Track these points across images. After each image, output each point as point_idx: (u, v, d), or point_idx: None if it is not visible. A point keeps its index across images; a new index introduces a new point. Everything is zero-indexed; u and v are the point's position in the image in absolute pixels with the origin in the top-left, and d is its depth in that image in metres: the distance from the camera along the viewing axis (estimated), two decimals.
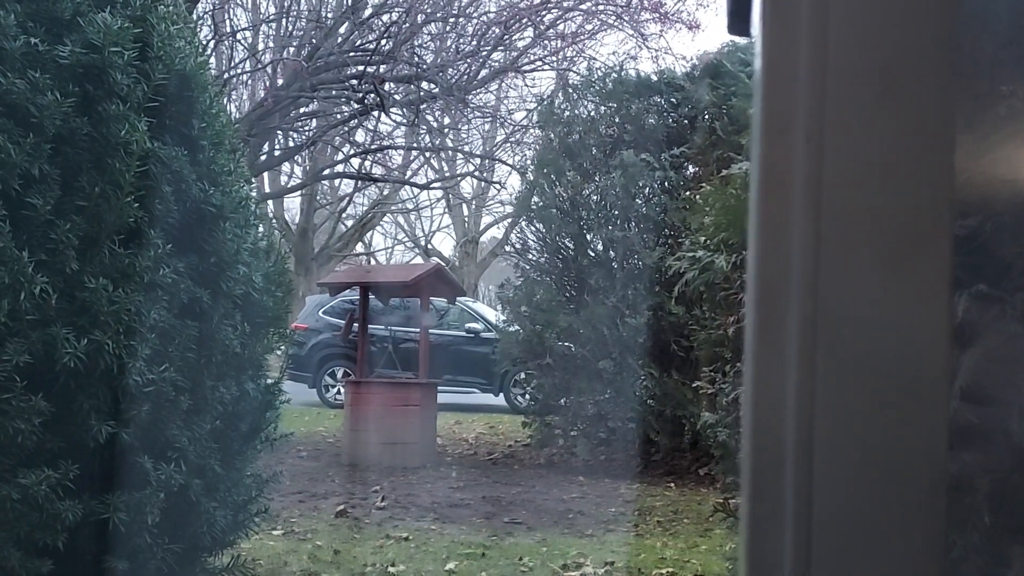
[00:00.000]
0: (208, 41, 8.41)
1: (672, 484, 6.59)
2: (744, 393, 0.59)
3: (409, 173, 16.16)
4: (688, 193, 6.80)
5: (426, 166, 17.49)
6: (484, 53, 9.62)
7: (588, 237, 7.79)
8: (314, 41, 8.84)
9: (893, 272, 0.56)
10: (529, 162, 9.02)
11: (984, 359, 1.09)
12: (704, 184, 6.09)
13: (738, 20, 0.59)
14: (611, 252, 7.64)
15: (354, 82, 8.73)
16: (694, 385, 5.73)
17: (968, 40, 0.99)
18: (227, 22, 9.58)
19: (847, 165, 0.57)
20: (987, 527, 1.19)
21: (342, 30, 9.09)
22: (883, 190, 0.56)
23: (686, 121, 7.66)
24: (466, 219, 20.96)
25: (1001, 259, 1.14)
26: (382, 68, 8.79)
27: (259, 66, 9.67)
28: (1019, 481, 1.28)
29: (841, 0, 0.56)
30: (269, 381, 3.13)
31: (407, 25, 8.79)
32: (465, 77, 9.54)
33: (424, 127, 11.29)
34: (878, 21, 0.57)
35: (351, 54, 8.78)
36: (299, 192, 15.94)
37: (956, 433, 1.05)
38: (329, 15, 9.30)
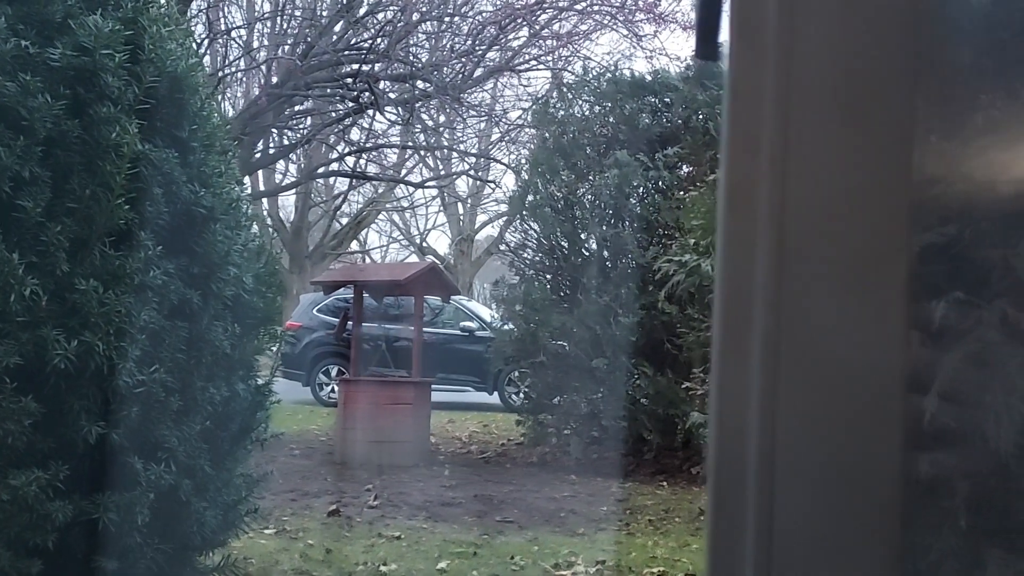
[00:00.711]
0: (202, 39, 8.40)
1: (664, 483, 6.62)
2: (710, 401, 0.60)
3: (404, 172, 16.16)
4: (682, 193, 6.83)
5: (421, 165, 17.51)
6: (479, 52, 9.62)
7: (582, 236, 7.81)
8: (309, 39, 8.83)
9: (853, 286, 0.57)
10: (524, 161, 9.04)
11: (962, 365, 1.11)
12: (698, 183, 6.11)
13: (706, 45, 0.60)
14: (605, 251, 7.66)
15: (349, 80, 8.72)
16: (684, 385, 5.76)
17: (948, 49, 1.01)
18: (221, 20, 9.57)
19: (809, 184, 0.58)
20: (964, 530, 1.21)
21: (337, 28, 9.09)
22: (844, 208, 0.58)
23: (680, 121, 7.68)
24: (461, 218, 20.97)
25: (980, 267, 1.15)
26: (377, 66, 8.79)
27: (254, 64, 9.66)
28: (996, 485, 1.30)
29: (806, 26, 0.58)
30: (260, 382, 3.13)
31: (402, 24, 8.79)
32: (460, 76, 9.55)
33: (419, 126, 11.29)
34: (842, 47, 0.58)
35: (346, 52, 8.77)
36: (293, 190, 15.94)
37: (934, 437, 1.07)
38: (324, 13, 9.29)
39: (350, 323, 8.13)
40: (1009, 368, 1.13)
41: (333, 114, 9.76)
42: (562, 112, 8.20)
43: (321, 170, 13.06)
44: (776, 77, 0.59)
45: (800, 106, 0.58)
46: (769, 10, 0.58)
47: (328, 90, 9.01)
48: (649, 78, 8.07)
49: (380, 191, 18.08)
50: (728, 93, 0.59)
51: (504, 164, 12.84)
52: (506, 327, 8.19)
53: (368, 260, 20.79)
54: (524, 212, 8.10)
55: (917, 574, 1.18)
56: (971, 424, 1.10)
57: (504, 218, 14.19)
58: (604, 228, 7.56)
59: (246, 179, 9.22)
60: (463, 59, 9.41)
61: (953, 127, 1.01)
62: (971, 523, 1.18)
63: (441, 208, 21.06)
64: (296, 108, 9.63)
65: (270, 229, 16.04)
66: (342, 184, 17.02)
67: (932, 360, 1.05)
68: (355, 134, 11.67)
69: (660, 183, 7.50)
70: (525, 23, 9.54)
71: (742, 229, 0.58)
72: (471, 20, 9.65)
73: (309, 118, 10.22)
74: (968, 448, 1.11)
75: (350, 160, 12.65)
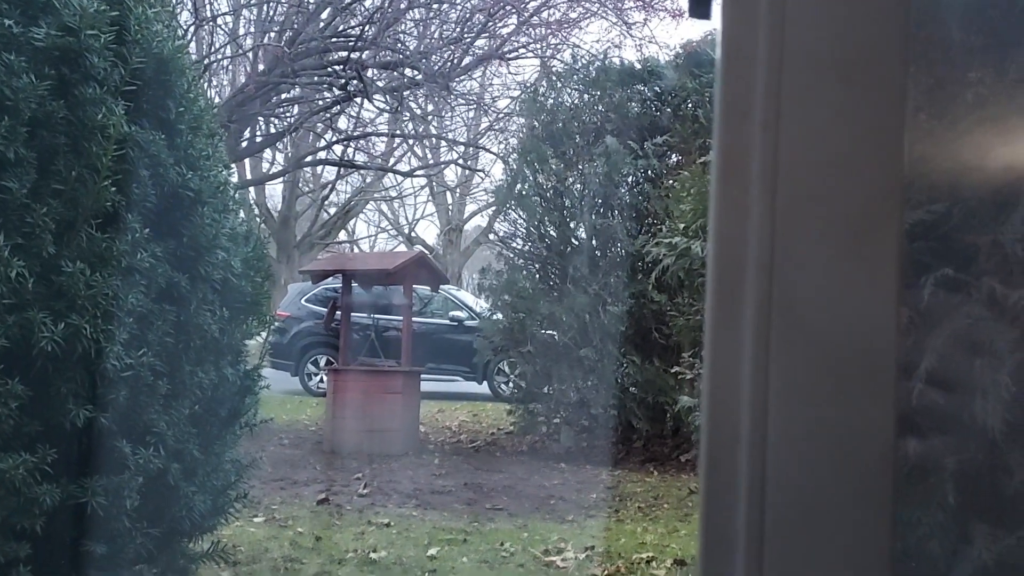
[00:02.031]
0: (188, 26, 8.32)
1: (653, 470, 6.65)
2: (703, 370, 0.60)
3: (392, 160, 16.10)
4: (671, 182, 6.83)
5: (409, 153, 17.43)
6: (468, 40, 9.58)
7: (571, 225, 7.80)
8: (296, 26, 8.77)
9: (845, 254, 0.58)
10: (512, 150, 9.02)
11: (949, 342, 1.12)
12: (685, 172, 6.12)
13: (699, 4, 0.60)
14: (594, 240, 7.66)
15: (336, 68, 8.67)
16: (674, 371, 5.78)
17: (937, 28, 1.01)
18: (207, 6, 9.48)
19: (802, 151, 0.58)
20: (951, 506, 1.22)
21: (324, 15, 9.02)
22: (836, 176, 0.58)
23: (669, 109, 7.68)
24: (450, 207, 20.92)
25: (968, 244, 1.16)
26: (365, 54, 8.74)
27: (240, 51, 9.59)
28: (982, 461, 1.31)
29: None
30: (248, 367, 3.12)
31: (390, 11, 8.74)
32: (448, 64, 9.51)
33: (407, 114, 11.25)
34: (834, 11, 0.58)
35: (333, 40, 8.71)
36: (281, 179, 15.85)
37: (922, 414, 1.07)
38: (311, 0, 9.22)
39: (338, 313, 8.11)
40: (997, 344, 1.14)
41: (320, 102, 9.71)
42: (551, 101, 8.18)
43: (309, 159, 13.00)
44: (769, 40, 0.58)
45: (792, 70, 0.58)
46: None
47: (315, 78, 8.96)
48: (638, 66, 8.06)
49: (368, 180, 18.01)
50: (721, 56, 0.59)
51: (493, 153, 12.82)
52: (495, 317, 8.19)
53: (356, 250, 20.72)
54: (513, 201, 8.09)
55: (907, 548, 1.19)
56: (959, 401, 1.11)
57: (493, 208, 14.17)
58: (593, 217, 7.56)
59: (233, 167, 9.15)
60: (452, 47, 9.37)
61: (942, 106, 1.01)
62: (958, 499, 1.19)
63: (430, 197, 21.00)
64: (283, 96, 9.57)
65: (257, 219, 15.95)
66: (330, 173, 16.96)
67: (921, 337, 1.05)
68: (343, 122, 11.62)
69: (649, 172, 7.50)
70: (514, 10, 9.51)
71: (735, 194, 0.58)
72: (459, 7, 9.61)
73: (296, 106, 10.16)
74: (956, 424, 1.12)
75: (338, 149, 12.59)
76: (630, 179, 7.66)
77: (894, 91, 0.58)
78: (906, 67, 0.59)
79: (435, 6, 9.55)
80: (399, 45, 9.32)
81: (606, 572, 4.14)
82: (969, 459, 1.20)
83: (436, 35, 9.67)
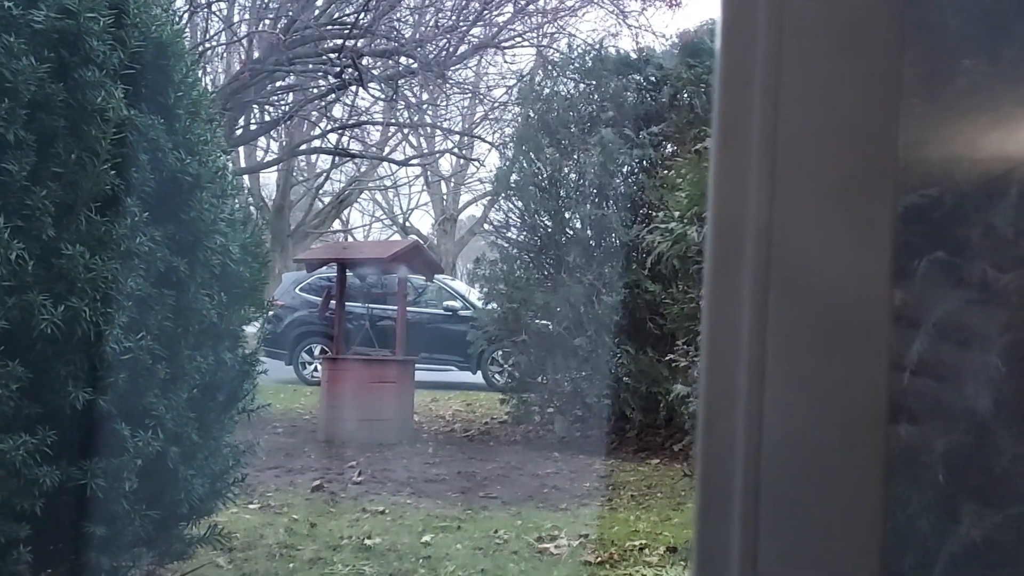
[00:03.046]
0: (183, 12, 8.27)
1: (647, 459, 6.69)
2: (702, 330, 0.62)
3: (387, 149, 16.07)
4: (667, 172, 6.85)
5: (404, 143, 17.40)
6: (463, 28, 9.56)
7: (566, 215, 7.81)
8: (291, 14, 8.73)
9: (841, 217, 0.59)
10: (508, 139, 9.01)
11: (942, 324, 1.14)
12: (680, 160, 6.13)
13: None
14: (589, 230, 7.67)
15: (331, 56, 8.64)
16: (668, 359, 5.80)
17: (932, 14, 1.03)
18: None
19: (801, 118, 0.60)
20: (941, 485, 1.25)
21: (319, 3, 8.99)
22: (834, 141, 0.60)
23: (665, 99, 7.68)
24: (445, 196, 20.89)
25: (961, 228, 1.18)
26: (360, 42, 8.71)
27: (235, 39, 9.55)
28: (973, 442, 1.33)
29: None
30: (246, 351, 3.14)
31: None
32: (444, 53, 9.49)
33: (402, 103, 11.22)
34: None
35: (328, 27, 8.68)
36: (275, 167, 15.80)
37: (913, 395, 1.10)
38: None
39: (333, 302, 8.11)
40: (987, 327, 1.16)
41: (315, 90, 9.68)
42: (547, 90, 8.17)
43: (303, 147, 12.96)
44: (769, 7, 0.60)
45: (792, 37, 0.60)
46: None
47: (310, 66, 8.93)
48: (634, 56, 8.06)
49: (363, 169, 17.97)
50: (722, 26, 0.61)
51: (488, 142, 12.80)
52: (489, 306, 8.20)
53: (351, 239, 20.70)
54: (508, 191, 8.09)
55: (897, 526, 1.22)
56: (951, 382, 1.13)
57: (488, 197, 14.17)
58: (588, 207, 7.57)
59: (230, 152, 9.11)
60: (447, 35, 9.35)
61: (936, 91, 1.04)
62: (948, 479, 1.21)
63: (425, 187, 20.97)
64: (278, 84, 9.54)
65: (251, 208, 15.90)
66: (324, 162, 16.92)
67: (913, 319, 1.08)
68: (338, 111, 11.59)
69: (645, 161, 7.51)
70: None
71: (734, 159, 0.60)
72: None
73: (291, 94, 10.14)
74: (947, 405, 1.15)
75: (332, 137, 12.56)
76: (625, 169, 7.67)
77: (891, 59, 0.60)
78: (902, 36, 0.60)
79: None
80: (394, 33, 9.29)
81: (599, 559, 4.17)
82: (960, 440, 1.23)
83: (432, 23, 9.65)
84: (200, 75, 3.04)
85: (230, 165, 3.22)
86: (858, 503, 0.58)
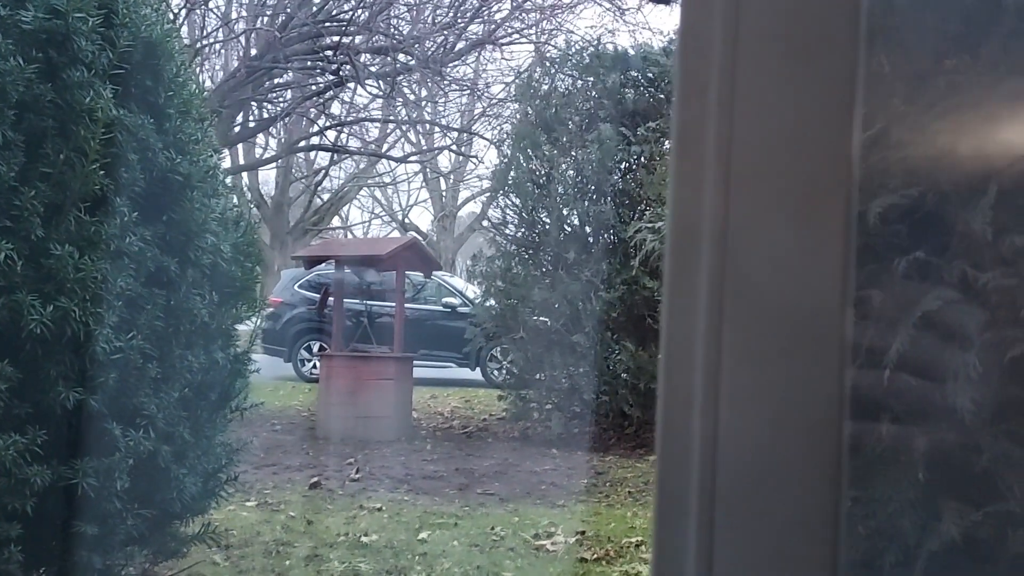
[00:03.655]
0: (180, 10, 8.27)
1: (644, 456, 6.69)
2: (661, 335, 0.62)
3: (385, 146, 16.06)
4: (665, 168, 6.84)
5: (403, 139, 17.39)
6: (461, 25, 9.55)
7: (564, 211, 7.81)
8: (288, 10, 8.73)
9: (795, 225, 0.60)
10: (506, 136, 9.01)
11: (921, 323, 1.14)
12: None
13: None
14: (587, 226, 7.67)
15: (329, 53, 8.63)
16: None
17: (912, 15, 1.03)
18: None
19: (755, 128, 0.60)
20: (921, 484, 1.25)
21: (316, 0, 8.98)
22: (787, 150, 0.60)
23: (662, 95, 7.67)
24: (443, 193, 20.89)
25: (941, 228, 1.18)
26: (357, 39, 8.71)
27: (232, 36, 9.54)
28: (952, 440, 1.33)
29: None
30: (239, 351, 3.14)
31: None
32: (442, 49, 9.48)
33: (400, 100, 11.21)
34: None
35: (326, 24, 8.68)
36: (274, 164, 15.81)
37: (893, 394, 1.10)
38: None
39: (331, 299, 8.12)
40: (966, 326, 1.16)
41: (313, 87, 9.67)
42: (545, 86, 8.16)
43: (302, 144, 12.96)
44: (724, 20, 0.60)
45: (747, 49, 0.60)
46: None
47: (308, 62, 8.92)
48: (632, 52, 8.05)
49: (362, 166, 17.97)
50: (679, 36, 0.61)
51: (486, 139, 12.80)
52: (487, 303, 8.20)
53: (350, 236, 20.70)
54: (506, 187, 8.08)
55: (879, 524, 1.22)
56: (930, 381, 1.13)
57: (487, 194, 14.16)
58: (586, 203, 7.57)
59: (225, 152, 9.12)
60: (445, 32, 9.34)
61: (917, 91, 1.03)
62: (928, 477, 1.22)
63: (423, 183, 20.97)
64: (275, 81, 9.53)
65: (250, 204, 15.92)
66: (323, 159, 16.91)
67: (893, 318, 1.08)
68: (336, 108, 11.59)
69: (642, 157, 7.51)
70: None
71: (691, 167, 0.60)
72: None
73: (289, 91, 10.13)
74: (927, 404, 1.15)
75: (331, 134, 12.56)
76: (623, 165, 7.67)
77: (844, 70, 0.60)
78: (856, 47, 0.61)
79: None
80: (392, 30, 9.28)
81: (595, 556, 4.18)
82: (940, 438, 1.23)
83: (429, 20, 9.64)
84: (192, 74, 3.04)
85: (221, 164, 3.22)
86: (810, 505, 0.59)
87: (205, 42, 9.27)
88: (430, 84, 10.77)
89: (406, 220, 22.07)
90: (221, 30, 9.52)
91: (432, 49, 9.37)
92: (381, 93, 10.55)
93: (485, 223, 11.27)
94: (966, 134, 1.05)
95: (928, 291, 1.15)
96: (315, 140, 12.75)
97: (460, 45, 9.83)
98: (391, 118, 12.78)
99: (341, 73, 8.71)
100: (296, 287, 11.33)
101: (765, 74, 0.59)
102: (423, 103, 12.50)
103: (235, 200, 3.27)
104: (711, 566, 0.59)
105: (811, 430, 0.58)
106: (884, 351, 1.00)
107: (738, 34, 0.59)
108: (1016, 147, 1.02)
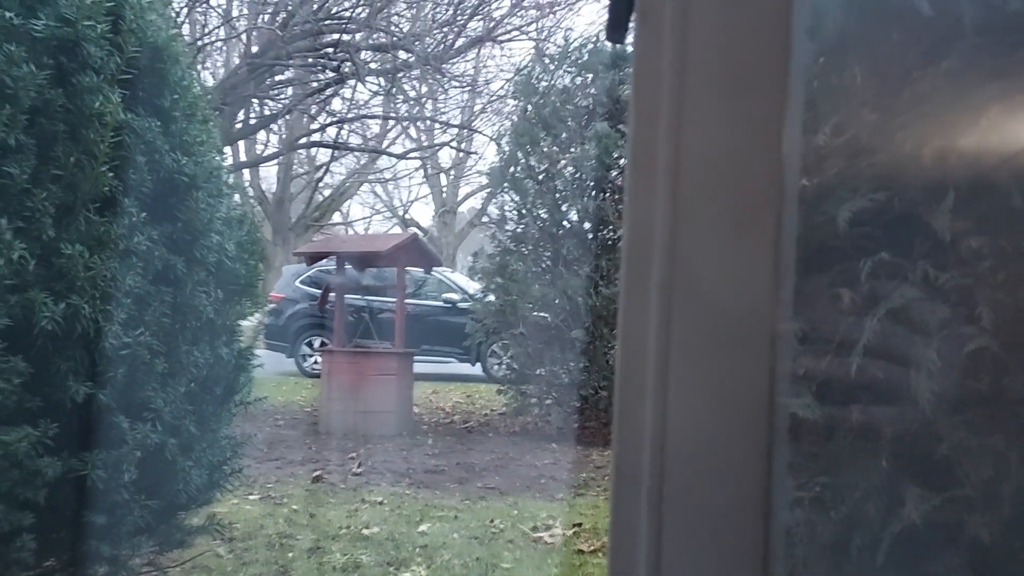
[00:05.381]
0: (181, 8, 8.34)
1: None
2: (617, 335, 0.71)
3: (386, 143, 16.11)
4: None
5: (403, 136, 17.45)
6: (460, 22, 9.60)
7: (563, 208, 7.87)
8: (289, 8, 8.78)
9: (731, 238, 0.69)
10: (505, 132, 9.06)
11: (886, 320, 1.22)
12: None
13: (616, 30, 0.70)
14: (585, 223, 7.73)
15: (329, 50, 8.69)
16: None
17: (881, 29, 1.11)
18: None
19: (699, 151, 0.69)
20: (886, 471, 1.33)
21: None
22: (725, 172, 0.69)
23: None
24: (444, 189, 20.94)
25: (906, 230, 1.26)
26: (358, 36, 8.76)
27: (233, 33, 9.60)
28: (916, 430, 1.41)
29: (699, 15, 0.68)
30: (243, 346, 3.22)
31: None
32: (441, 46, 9.53)
33: (401, 96, 11.27)
34: (727, 31, 0.69)
35: (326, 22, 8.73)
36: (275, 161, 15.86)
37: (861, 388, 1.18)
38: None
39: (332, 295, 8.18)
40: (928, 323, 1.25)
41: (314, 84, 9.73)
42: (544, 83, 8.22)
43: (303, 141, 13.02)
44: (673, 55, 0.69)
45: (693, 80, 0.69)
46: (667, 1, 0.68)
47: (309, 60, 8.98)
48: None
49: (362, 162, 18.02)
50: (634, 70, 0.70)
51: (486, 135, 12.85)
52: (488, 299, 8.27)
53: (351, 232, 20.75)
54: (506, 184, 8.14)
55: (850, 511, 1.30)
56: (894, 375, 1.21)
57: (487, 190, 14.22)
58: (585, 199, 7.63)
59: (227, 149, 9.18)
60: (444, 29, 9.40)
61: (883, 100, 1.12)
62: (893, 465, 1.30)
63: (424, 180, 21.02)
64: (277, 78, 9.59)
65: (252, 201, 15.97)
66: (324, 155, 16.95)
67: (860, 315, 1.16)
68: (336, 104, 11.65)
69: None
70: None
71: (644, 185, 0.69)
72: None
73: (290, 88, 10.18)
74: (891, 396, 1.23)
75: (332, 131, 12.61)
76: (622, 161, 7.73)
77: (776, 99, 0.69)
78: (786, 79, 0.69)
79: None
80: (392, 27, 9.34)
81: (592, 548, 4.26)
82: (904, 429, 1.31)
83: (429, 17, 9.69)
84: (196, 76, 3.11)
85: (227, 163, 3.30)
86: (744, 479, 0.67)
87: (207, 40, 9.33)
88: (430, 81, 10.83)
89: (407, 216, 22.12)
90: (223, 28, 9.58)
91: (432, 46, 9.42)
92: (381, 90, 10.61)
93: (485, 219, 11.33)
94: (929, 140, 1.14)
95: (893, 289, 1.24)
96: (316, 137, 12.81)
97: (460, 42, 9.88)
98: (391, 114, 12.83)
99: (342, 70, 8.77)
100: (298, 283, 11.38)
101: (708, 103, 0.67)
102: (423, 99, 12.56)
103: (238, 199, 3.34)
104: (660, 536, 0.68)
105: (745, 413, 0.67)
106: (852, 345, 1.08)
107: (685, 67, 0.67)
108: (973, 155, 1.10)
